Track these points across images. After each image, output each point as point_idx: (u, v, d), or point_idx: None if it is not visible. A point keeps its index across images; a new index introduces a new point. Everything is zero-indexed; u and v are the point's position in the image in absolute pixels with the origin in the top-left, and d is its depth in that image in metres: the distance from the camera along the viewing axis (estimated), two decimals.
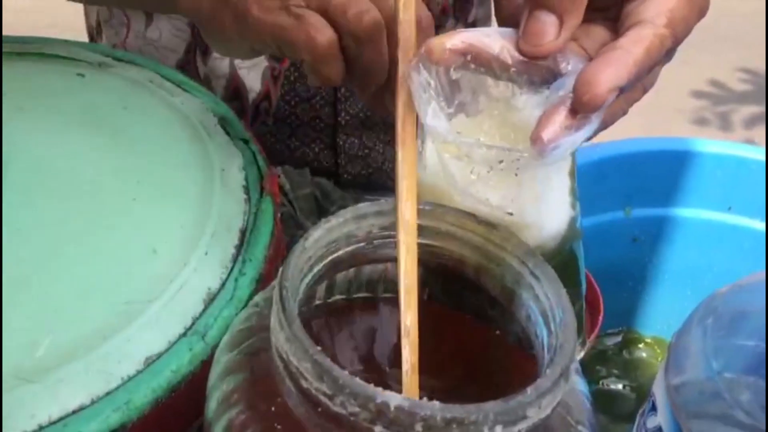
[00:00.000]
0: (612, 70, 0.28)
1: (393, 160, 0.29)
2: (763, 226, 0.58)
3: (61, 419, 0.28)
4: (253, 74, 0.61)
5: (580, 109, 0.27)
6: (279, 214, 0.39)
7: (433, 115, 0.27)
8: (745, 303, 0.30)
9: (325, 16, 0.33)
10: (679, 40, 0.32)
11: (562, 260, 0.32)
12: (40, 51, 0.46)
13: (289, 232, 0.53)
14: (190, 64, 0.63)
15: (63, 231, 0.34)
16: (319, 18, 0.33)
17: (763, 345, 0.27)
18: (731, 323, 0.29)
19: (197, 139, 0.41)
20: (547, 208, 0.31)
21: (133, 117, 0.41)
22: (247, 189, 0.39)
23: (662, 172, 0.57)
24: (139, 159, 0.39)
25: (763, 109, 2.52)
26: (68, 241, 0.34)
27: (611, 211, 0.58)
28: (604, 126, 0.32)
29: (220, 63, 0.61)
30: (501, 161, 0.27)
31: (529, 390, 0.21)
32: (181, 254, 0.34)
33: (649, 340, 0.64)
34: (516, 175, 0.29)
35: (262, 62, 0.61)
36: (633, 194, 0.57)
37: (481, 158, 0.27)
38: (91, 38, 0.69)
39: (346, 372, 0.20)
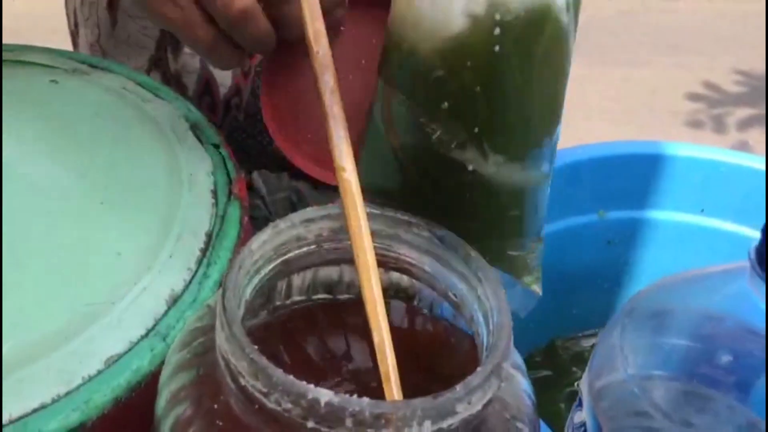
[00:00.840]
0: None
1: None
2: (734, 227, 0.59)
3: (20, 418, 0.29)
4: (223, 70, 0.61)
5: None
6: (246, 218, 0.40)
7: None
8: (664, 302, 0.30)
9: (201, 7, 0.36)
10: None
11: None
12: (17, 58, 0.47)
13: None
14: (162, 61, 0.63)
15: (28, 234, 0.35)
16: (197, 13, 0.36)
17: (682, 344, 0.27)
18: (649, 323, 0.30)
19: (167, 145, 0.42)
20: None
21: (103, 123, 0.42)
22: (215, 193, 0.40)
23: (636, 175, 0.58)
24: (107, 165, 0.39)
25: (757, 110, 2.53)
26: (33, 244, 0.34)
27: (585, 213, 0.58)
28: None
29: (191, 59, 0.62)
30: None
31: (459, 387, 0.22)
32: (145, 257, 0.35)
33: None
34: None
35: None
36: (607, 197, 0.58)
37: None
38: (73, 39, 0.70)
39: (280, 370, 0.21)
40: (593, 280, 0.62)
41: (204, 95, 0.64)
